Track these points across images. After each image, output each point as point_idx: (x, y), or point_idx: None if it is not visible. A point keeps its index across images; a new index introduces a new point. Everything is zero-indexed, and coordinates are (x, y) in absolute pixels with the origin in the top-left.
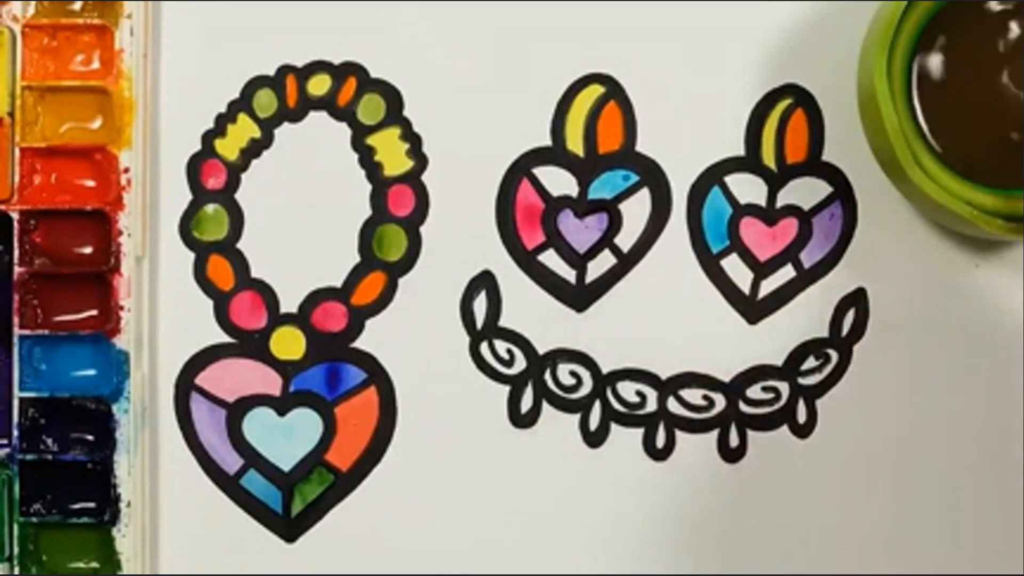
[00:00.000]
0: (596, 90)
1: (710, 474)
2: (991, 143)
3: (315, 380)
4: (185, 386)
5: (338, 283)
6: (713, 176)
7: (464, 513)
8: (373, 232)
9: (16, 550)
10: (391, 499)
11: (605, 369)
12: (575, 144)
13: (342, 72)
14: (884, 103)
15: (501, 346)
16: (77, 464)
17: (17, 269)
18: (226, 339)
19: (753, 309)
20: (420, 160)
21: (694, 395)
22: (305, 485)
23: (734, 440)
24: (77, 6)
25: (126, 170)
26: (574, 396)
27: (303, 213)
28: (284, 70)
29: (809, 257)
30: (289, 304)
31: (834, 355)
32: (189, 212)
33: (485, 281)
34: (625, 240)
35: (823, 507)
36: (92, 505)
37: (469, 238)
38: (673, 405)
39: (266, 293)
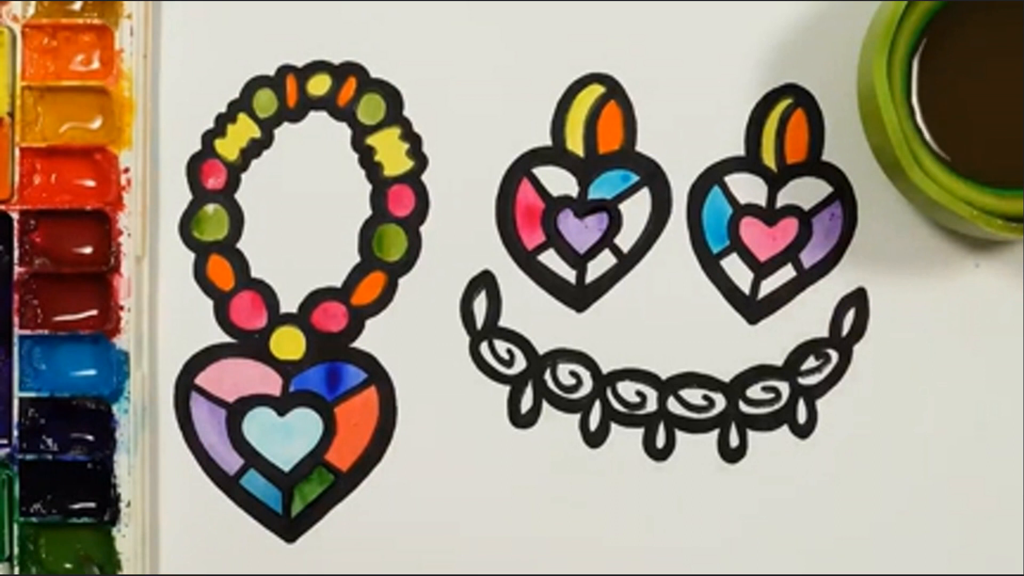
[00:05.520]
0: (596, 90)
1: (710, 474)
2: (991, 143)
3: (315, 380)
4: (185, 386)
5: (338, 283)
6: (713, 176)
7: (464, 513)
8: (373, 232)
9: (16, 550)
10: (391, 499)
11: (605, 369)
12: (575, 144)
13: (342, 72)
14: (884, 103)
15: (501, 346)
16: (77, 464)
17: (17, 269)
18: (226, 339)
19: (753, 309)
20: (420, 160)
21: (694, 395)
22: (305, 485)
23: (734, 440)
24: (77, 6)
25: (126, 170)
26: (574, 396)
27: (303, 213)
28: (284, 70)
29: (809, 257)
30: (289, 304)
31: (834, 355)
32: (189, 212)
33: (485, 281)
34: (625, 240)
35: (823, 507)
36: (92, 505)
37: (469, 238)
38: (673, 405)
39: (266, 293)
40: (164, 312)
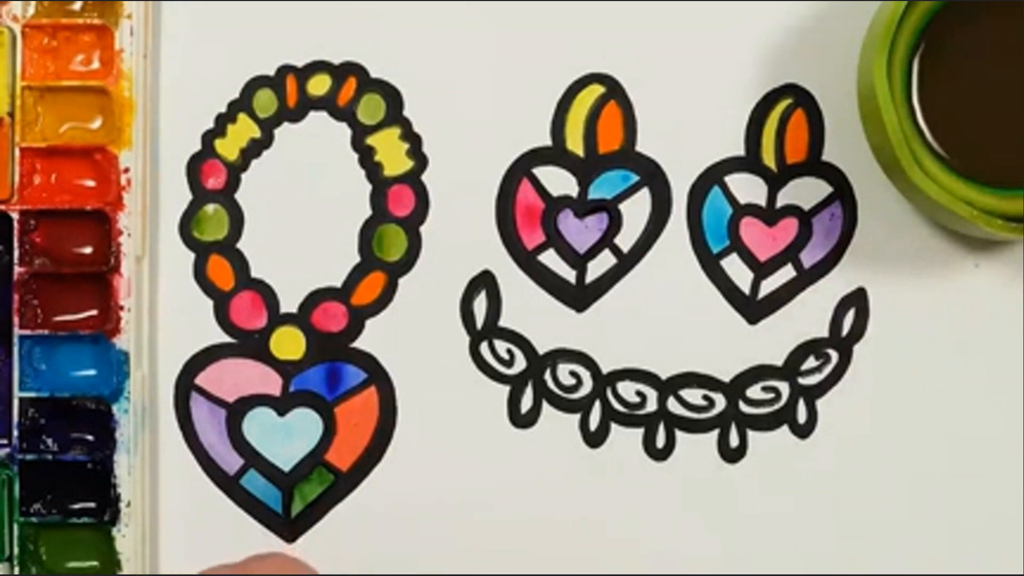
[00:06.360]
0: (596, 90)
1: (710, 474)
2: (991, 143)
3: (315, 380)
4: (185, 386)
5: (338, 283)
6: (713, 176)
7: (464, 513)
8: (373, 232)
9: (16, 550)
10: (391, 499)
11: (605, 369)
12: (575, 144)
13: (342, 72)
14: (884, 103)
15: (501, 346)
16: (77, 464)
17: (17, 269)
18: (226, 339)
19: (753, 309)
20: (420, 160)
21: (694, 395)
22: (305, 485)
23: (734, 440)
24: (77, 6)
25: (126, 170)
26: (574, 396)
27: (303, 213)
28: (284, 70)
29: (809, 257)
30: (289, 304)
31: (834, 355)
32: (189, 212)
33: (485, 281)
34: (625, 240)
35: (823, 507)
36: (92, 505)
37: (469, 238)
38: (673, 405)
39: (266, 293)
40: (164, 312)
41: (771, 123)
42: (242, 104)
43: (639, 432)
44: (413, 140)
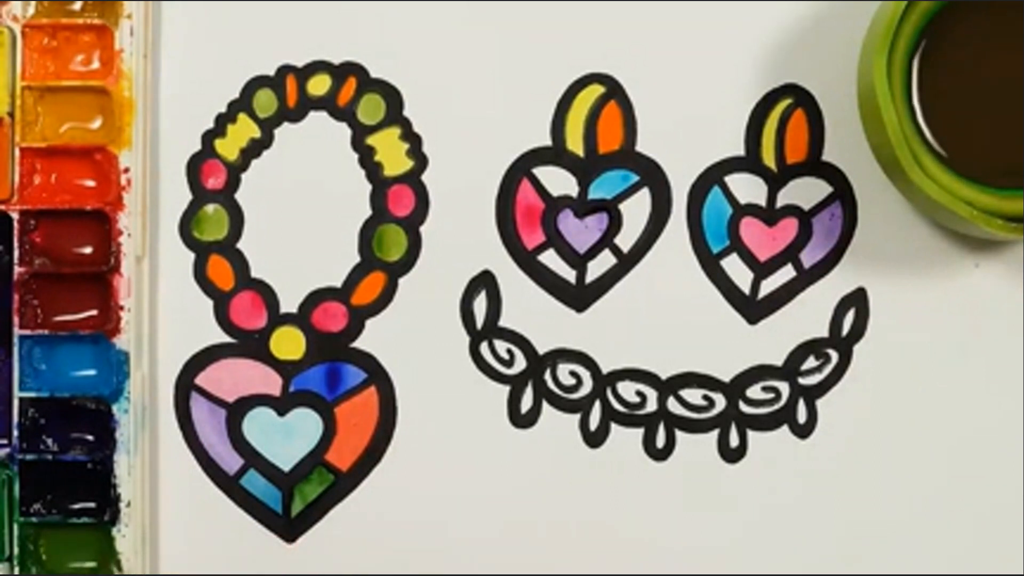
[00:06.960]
0: (596, 90)
1: (710, 474)
2: (991, 143)
3: (315, 380)
4: (185, 386)
5: (338, 283)
6: (713, 176)
7: (464, 513)
8: (373, 232)
9: (16, 550)
10: (391, 499)
11: (605, 369)
12: (575, 144)
13: (342, 72)
14: (884, 103)
15: (501, 346)
16: (77, 464)
17: (17, 269)
18: (226, 339)
19: (753, 309)
20: (420, 160)
21: (694, 395)
22: (305, 485)
23: (734, 440)
24: (77, 6)
25: (126, 170)
26: (574, 396)
27: (303, 213)
28: (284, 70)
29: (809, 257)
30: (289, 304)
31: (834, 355)
32: (189, 212)
33: (485, 281)
34: (625, 240)
35: (823, 507)
36: (92, 505)
37: (469, 238)
38: (673, 405)
39: (266, 293)
40: (164, 312)
41: (771, 123)
42: (242, 104)
43: (639, 432)
44: (413, 140)
